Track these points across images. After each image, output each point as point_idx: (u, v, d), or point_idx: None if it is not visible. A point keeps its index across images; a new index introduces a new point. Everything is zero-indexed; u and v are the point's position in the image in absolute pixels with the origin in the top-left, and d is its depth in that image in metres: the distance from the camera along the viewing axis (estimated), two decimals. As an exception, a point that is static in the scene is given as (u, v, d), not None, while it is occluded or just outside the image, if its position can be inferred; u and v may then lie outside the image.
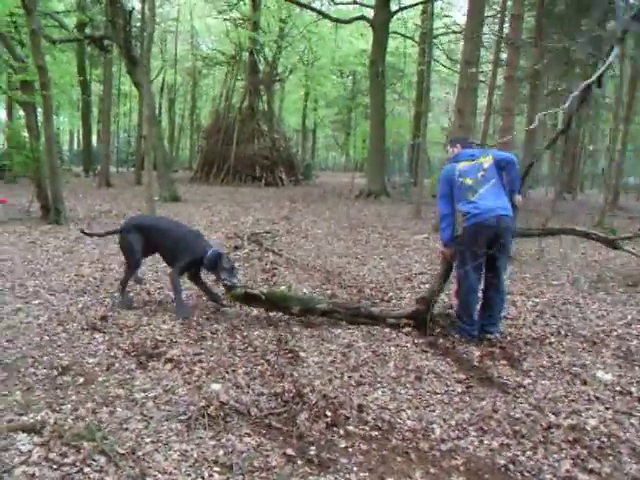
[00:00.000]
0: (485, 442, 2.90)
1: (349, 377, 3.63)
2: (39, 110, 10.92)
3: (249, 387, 3.37)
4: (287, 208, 14.50)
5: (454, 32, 23.58)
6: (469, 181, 4.38)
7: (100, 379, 3.46)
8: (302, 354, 3.98)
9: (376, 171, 18.38)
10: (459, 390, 3.53)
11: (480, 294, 4.67)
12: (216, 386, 3.32)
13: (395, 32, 21.54)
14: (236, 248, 7.85)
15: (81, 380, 3.44)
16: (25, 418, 2.93)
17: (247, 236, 8.47)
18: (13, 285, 5.69)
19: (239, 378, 3.49)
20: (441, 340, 4.49)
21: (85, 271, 6.45)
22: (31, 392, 3.27)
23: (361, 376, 3.66)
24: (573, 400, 3.41)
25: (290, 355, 3.95)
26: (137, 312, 4.87)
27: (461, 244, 4.48)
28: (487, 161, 4.46)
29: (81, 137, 33.66)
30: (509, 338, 4.59)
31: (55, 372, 3.55)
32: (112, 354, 3.88)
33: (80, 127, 33.22)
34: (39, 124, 11.02)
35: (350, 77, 32.53)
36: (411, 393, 3.45)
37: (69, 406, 3.07)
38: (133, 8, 15.24)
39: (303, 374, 3.63)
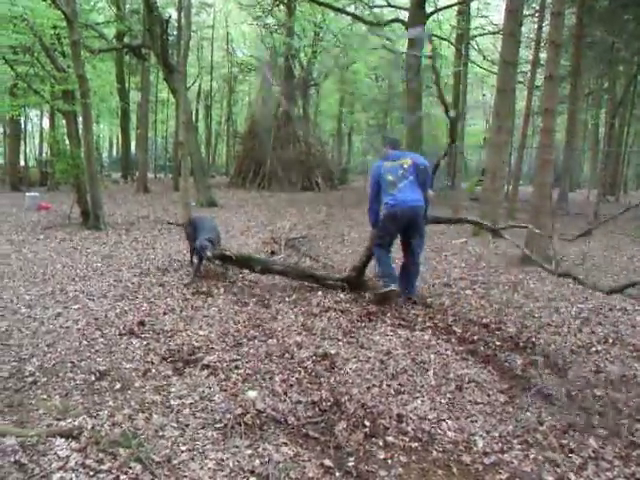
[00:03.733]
0: (531, 456, 2.77)
1: (387, 385, 3.53)
2: (79, 118, 11.17)
3: (286, 395, 3.31)
4: (323, 213, 14.45)
5: (490, 32, 23.23)
6: (391, 178, 5.40)
7: (137, 385, 3.45)
8: (339, 361, 3.90)
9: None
10: (502, 400, 3.40)
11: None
12: (252, 393, 3.28)
13: (431, 34, 21.26)
14: (272, 253, 7.82)
15: (118, 385, 3.44)
16: (63, 423, 2.93)
17: (284, 241, 8.43)
18: (54, 290, 5.78)
19: (276, 386, 3.44)
20: (482, 348, 4.36)
21: (123, 276, 6.51)
22: (69, 397, 3.28)
23: (400, 384, 3.57)
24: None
25: (327, 362, 3.88)
26: (173, 317, 4.88)
27: (380, 226, 5.55)
28: (406, 162, 5.46)
29: (120, 144, 34.39)
30: (553, 346, 4.43)
31: (93, 377, 3.56)
32: (149, 359, 3.87)
33: (119, 134, 33.93)
34: (79, 132, 11.25)
35: (385, 81, 32.39)
36: (452, 403, 3.34)
37: (106, 412, 3.06)
38: (170, 16, 15.42)
39: (341, 382, 3.55)
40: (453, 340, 4.51)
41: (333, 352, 4.06)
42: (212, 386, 3.43)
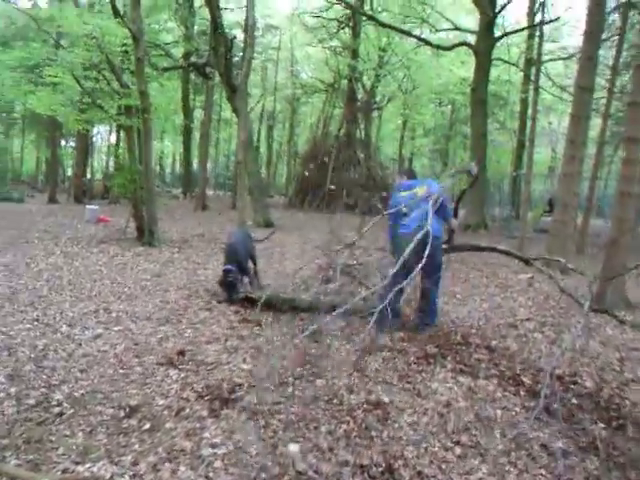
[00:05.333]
0: None
1: (448, 447, 3.06)
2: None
3: (332, 452, 2.89)
4: (382, 239, 13.98)
5: (561, 58, 22.42)
6: (404, 208, 5.32)
7: (167, 426, 3.12)
8: (393, 412, 3.45)
9: (475, 203, 17.47)
10: (584, 476, 2.88)
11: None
12: (294, 448, 2.87)
13: (498, 58, 20.64)
14: (327, 281, 7.43)
15: (147, 425, 3.12)
16: (81, 469, 2.63)
17: (340, 268, 8.00)
18: (98, 308, 5.59)
19: (321, 438, 3.03)
20: (555, 405, 3.81)
21: (171, 297, 6.28)
22: (93, 435, 2.99)
23: (462, 446, 3.09)
24: None
25: (380, 412, 3.44)
26: (217, 347, 4.55)
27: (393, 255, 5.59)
28: (421, 190, 5.39)
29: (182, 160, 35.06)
30: (640, 407, 3.85)
31: (122, 413, 3.26)
32: (184, 396, 3.54)
33: (182, 151, 34.61)
34: (140, 147, 11.30)
35: (449, 106, 31.83)
36: (524, 476, 2.85)
37: (129, 457, 2.75)
38: (235, 37, 15.51)
39: (394, 438, 3.10)
40: (522, 393, 3.99)
41: (387, 400, 3.62)
42: (250, 433, 3.05)
